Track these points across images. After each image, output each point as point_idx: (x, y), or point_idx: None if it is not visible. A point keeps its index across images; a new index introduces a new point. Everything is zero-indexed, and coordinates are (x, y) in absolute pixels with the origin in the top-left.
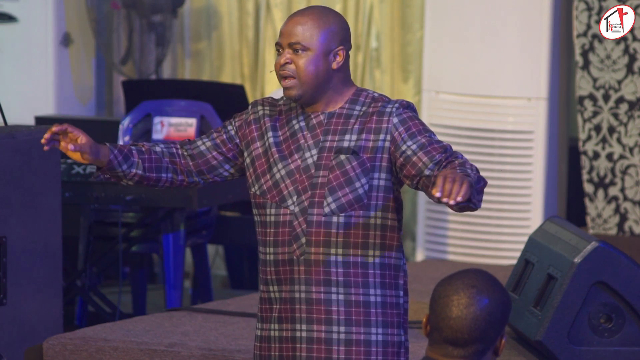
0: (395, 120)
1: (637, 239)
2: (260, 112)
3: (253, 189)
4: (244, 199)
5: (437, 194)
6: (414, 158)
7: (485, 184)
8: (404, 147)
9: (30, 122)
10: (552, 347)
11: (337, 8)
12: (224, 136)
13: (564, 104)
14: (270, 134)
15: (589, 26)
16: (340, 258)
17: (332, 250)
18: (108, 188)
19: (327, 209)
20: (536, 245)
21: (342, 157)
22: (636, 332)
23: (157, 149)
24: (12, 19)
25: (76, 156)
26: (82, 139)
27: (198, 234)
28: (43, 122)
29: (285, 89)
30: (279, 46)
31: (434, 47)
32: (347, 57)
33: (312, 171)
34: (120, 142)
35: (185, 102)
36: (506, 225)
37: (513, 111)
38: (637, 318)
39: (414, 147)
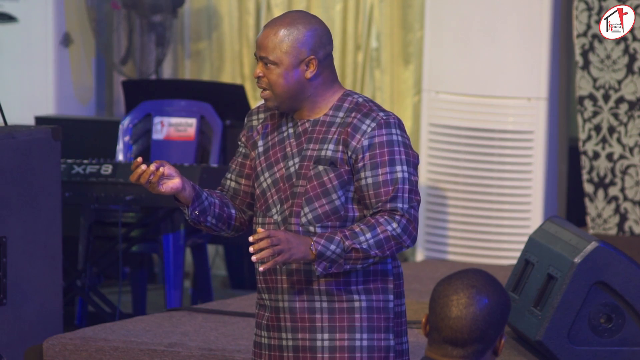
0: (365, 142)
1: (637, 239)
2: (255, 122)
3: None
4: None
5: (251, 249)
6: (365, 192)
7: (378, 249)
8: (362, 175)
9: (30, 122)
10: (552, 347)
11: (337, 8)
12: (241, 159)
13: (564, 104)
14: (260, 142)
15: (589, 26)
16: None
17: None
18: (108, 188)
19: (303, 219)
20: (536, 245)
21: (321, 168)
22: (636, 332)
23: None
24: (12, 19)
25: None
26: (176, 179)
27: (198, 234)
28: (43, 122)
29: (263, 98)
30: (255, 56)
31: (434, 47)
32: (323, 63)
33: (294, 180)
34: (120, 142)
35: (185, 102)
36: (506, 225)
37: (513, 111)
38: (637, 318)
39: (370, 180)
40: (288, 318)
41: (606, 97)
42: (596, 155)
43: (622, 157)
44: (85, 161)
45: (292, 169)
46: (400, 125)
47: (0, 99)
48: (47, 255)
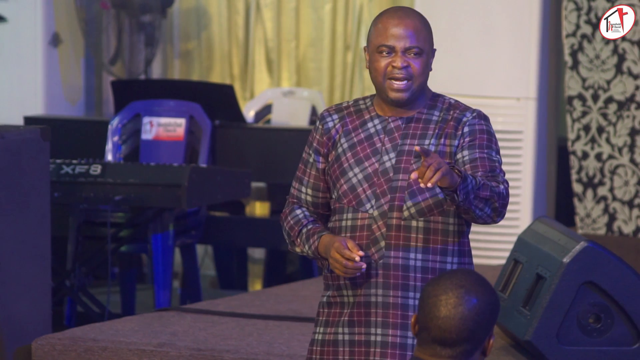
0: (466, 129)
1: (626, 238)
2: (330, 123)
3: (333, 195)
4: (233, 199)
5: (414, 176)
6: (461, 167)
7: (497, 199)
8: (459, 155)
9: (19, 122)
10: (541, 347)
11: (327, 8)
12: (315, 172)
13: (553, 104)
14: (343, 139)
15: (578, 26)
16: (419, 263)
17: (412, 255)
18: (97, 188)
19: (406, 213)
20: (525, 245)
21: None
22: (625, 332)
23: (313, 217)
24: (1, 18)
25: None
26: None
27: (187, 234)
28: (32, 122)
29: (396, 90)
30: (388, 48)
31: None
32: None
33: (391, 174)
34: (109, 142)
35: (174, 102)
36: (495, 225)
37: (502, 111)
38: (625, 318)
39: (466, 158)
40: (380, 313)
41: (595, 97)
42: (585, 155)
43: (611, 157)
44: (74, 161)
45: (387, 164)
46: (489, 121)
47: None
48: (36, 255)
